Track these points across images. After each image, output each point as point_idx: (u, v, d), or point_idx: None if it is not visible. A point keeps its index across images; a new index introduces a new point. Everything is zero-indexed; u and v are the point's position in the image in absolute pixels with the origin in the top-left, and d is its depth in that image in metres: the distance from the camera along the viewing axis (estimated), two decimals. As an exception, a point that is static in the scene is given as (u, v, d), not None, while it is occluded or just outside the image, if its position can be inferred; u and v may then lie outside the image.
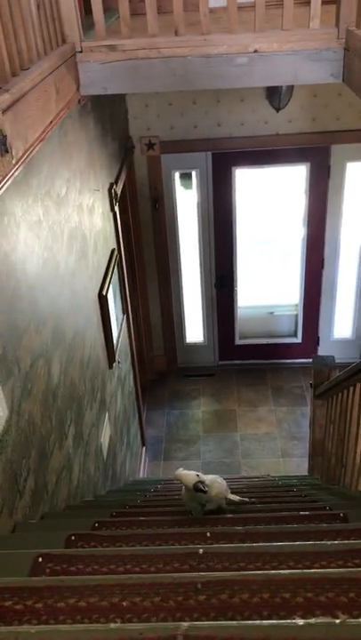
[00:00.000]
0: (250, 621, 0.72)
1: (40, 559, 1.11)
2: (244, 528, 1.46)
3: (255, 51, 2.63)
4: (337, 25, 2.56)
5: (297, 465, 4.59)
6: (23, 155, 1.78)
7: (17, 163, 1.71)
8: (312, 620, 0.61)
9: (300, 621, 0.60)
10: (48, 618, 0.84)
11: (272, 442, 4.90)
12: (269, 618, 0.77)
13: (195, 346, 5.68)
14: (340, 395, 3.19)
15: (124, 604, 0.83)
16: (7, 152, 1.61)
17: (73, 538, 1.39)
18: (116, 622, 0.76)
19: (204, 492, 1.83)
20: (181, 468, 1.93)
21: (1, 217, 1.68)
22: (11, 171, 1.62)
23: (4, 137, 1.58)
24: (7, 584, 0.86)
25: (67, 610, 0.84)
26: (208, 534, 1.43)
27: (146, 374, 5.43)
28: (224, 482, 2.05)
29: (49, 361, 2.14)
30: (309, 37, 2.60)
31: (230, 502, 2.08)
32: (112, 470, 3.38)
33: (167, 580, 0.85)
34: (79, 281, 2.67)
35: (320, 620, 0.63)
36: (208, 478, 1.94)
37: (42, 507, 1.96)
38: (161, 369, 5.66)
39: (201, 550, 1.11)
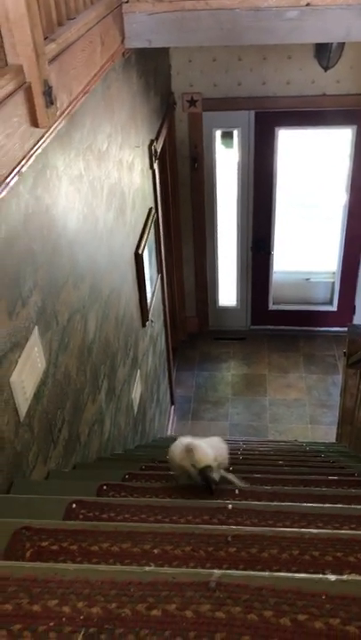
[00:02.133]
0: (281, 573, 0.74)
1: (74, 505, 1.15)
2: (272, 488, 1.48)
3: (307, 4, 2.52)
4: (396, -23, 2.44)
5: (325, 432, 4.60)
6: (67, 107, 1.77)
7: (61, 115, 1.70)
8: (344, 577, 0.62)
9: (332, 577, 0.61)
10: (82, 559, 0.87)
11: (301, 408, 4.91)
12: (298, 573, 0.79)
13: (227, 309, 5.67)
14: (373, 364, 3.16)
15: (156, 551, 0.86)
16: (52, 104, 1.59)
17: (105, 487, 1.43)
18: (149, 566, 0.79)
19: (208, 487, 1.43)
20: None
21: (44, 170, 1.68)
22: (55, 123, 1.61)
23: (50, 88, 1.56)
24: (44, 525, 0.89)
25: (100, 553, 0.87)
26: (236, 491, 1.45)
27: (177, 335, 5.46)
28: (224, 450, 1.65)
29: (85, 316, 2.16)
30: (366, -10, 2.48)
31: (223, 480, 1.58)
32: (142, 426, 3.44)
33: (198, 530, 0.87)
34: (117, 239, 2.67)
35: (352, 577, 0.64)
36: (203, 442, 1.55)
37: (74, 457, 2.01)
38: (192, 330, 5.68)
39: (230, 505, 1.13)
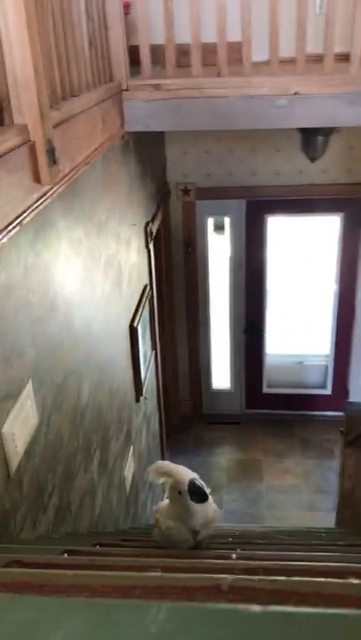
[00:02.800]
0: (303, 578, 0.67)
1: (65, 555, 1.07)
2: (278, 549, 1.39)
3: (295, 93, 2.71)
4: (376, 70, 2.64)
5: (324, 519, 4.40)
6: (69, 172, 1.84)
7: (63, 178, 1.76)
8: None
9: (355, 580, 0.55)
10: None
11: (298, 494, 4.73)
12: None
13: (221, 392, 5.61)
14: (372, 440, 3.09)
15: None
16: (55, 163, 1.66)
17: (97, 546, 1.33)
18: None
19: (204, 498, 1.24)
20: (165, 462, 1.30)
21: (44, 227, 1.72)
22: (58, 182, 1.67)
23: (53, 148, 1.63)
24: (36, 560, 0.82)
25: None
26: (233, 556, 1.34)
27: (171, 419, 5.35)
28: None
29: (80, 381, 2.12)
30: (349, 81, 2.67)
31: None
32: (134, 508, 3.28)
33: (203, 565, 0.81)
34: (113, 308, 2.69)
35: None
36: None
37: (64, 527, 1.90)
38: (186, 414, 5.58)
39: (234, 555, 1.06)
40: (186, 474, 1.25)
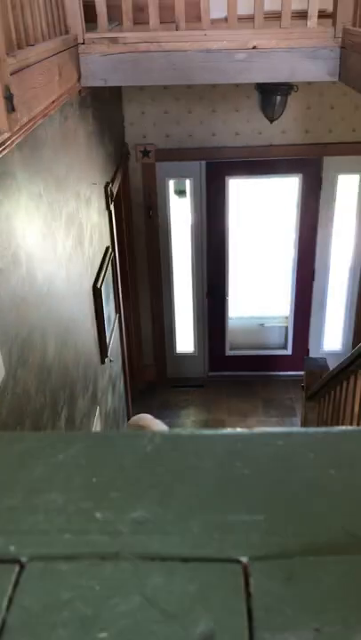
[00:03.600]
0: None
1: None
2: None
3: (254, 47, 2.69)
4: (334, 24, 2.64)
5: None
6: (27, 122, 1.80)
7: (22, 128, 1.73)
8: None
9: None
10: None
11: (262, 451, 4.85)
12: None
13: (185, 356, 5.66)
14: (332, 393, 3.19)
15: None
16: (14, 110, 1.62)
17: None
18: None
19: None
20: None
21: (4, 177, 1.68)
22: (16, 131, 1.64)
23: (11, 95, 1.59)
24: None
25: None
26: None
27: (136, 384, 5.38)
28: None
29: (45, 337, 2.12)
30: (307, 35, 2.67)
31: None
32: (102, 468, 3.32)
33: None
34: (75, 267, 2.67)
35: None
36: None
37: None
38: (151, 379, 5.62)
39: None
40: (163, 427, 1.25)
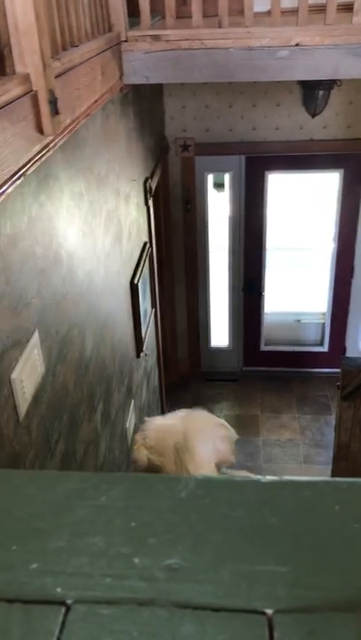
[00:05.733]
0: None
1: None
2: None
3: (297, 44, 2.66)
4: (380, 20, 2.59)
5: (319, 472, 4.53)
6: (70, 124, 1.83)
7: (65, 129, 1.76)
8: None
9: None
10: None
11: (295, 448, 4.84)
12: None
13: (219, 350, 5.67)
14: (368, 394, 3.16)
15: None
16: (57, 114, 1.65)
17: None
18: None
19: None
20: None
21: (47, 179, 1.72)
22: (60, 133, 1.67)
23: (55, 99, 1.63)
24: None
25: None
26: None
27: (169, 376, 5.43)
28: (223, 435, 1.27)
29: (83, 333, 2.16)
30: (352, 32, 2.63)
31: None
32: (135, 460, 3.38)
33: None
34: (113, 264, 2.71)
35: None
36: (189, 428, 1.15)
37: (70, 474, 1.97)
38: (185, 372, 5.66)
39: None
40: (203, 463, 1.08)
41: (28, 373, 1.53)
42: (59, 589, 0.29)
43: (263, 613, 0.27)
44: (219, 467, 1.10)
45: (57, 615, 0.28)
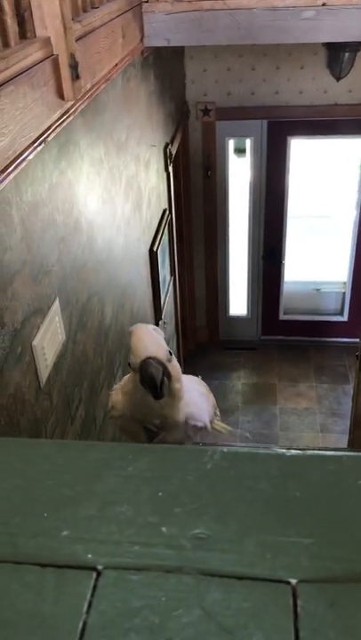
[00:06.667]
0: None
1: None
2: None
3: (323, 4, 2.58)
4: None
5: (336, 440, 4.56)
6: (91, 88, 1.81)
7: (85, 94, 1.74)
8: None
9: None
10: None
11: (311, 417, 4.87)
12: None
13: (238, 319, 5.67)
14: (387, 364, 3.15)
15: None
16: (78, 78, 1.63)
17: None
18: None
19: (153, 393, 0.88)
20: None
21: (67, 145, 1.71)
22: (81, 98, 1.65)
23: (76, 63, 1.60)
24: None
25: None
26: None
27: (187, 344, 5.45)
28: (210, 397, 1.11)
29: (103, 301, 2.17)
30: (381, -10, 2.53)
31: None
32: (153, 426, 3.42)
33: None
34: (133, 231, 2.70)
35: None
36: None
37: (90, 439, 2.00)
38: (202, 340, 5.67)
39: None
40: (146, 348, 0.89)
41: (49, 340, 1.55)
42: (89, 555, 0.30)
43: (287, 583, 0.28)
44: (188, 422, 0.95)
45: (88, 580, 0.29)
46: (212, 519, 0.31)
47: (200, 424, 0.95)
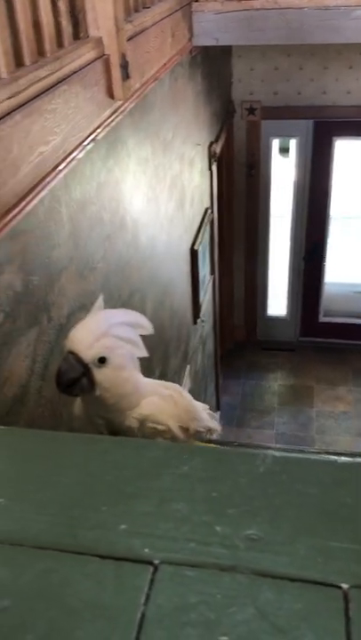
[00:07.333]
0: None
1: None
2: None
3: (376, 3, 2.54)
4: None
5: (373, 446, 4.49)
6: (140, 88, 1.83)
7: (134, 93, 1.76)
8: None
9: None
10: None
11: (349, 421, 4.80)
12: None
13: (276, 319, 5.63)
14: None
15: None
16: (128, 78, 1.65)
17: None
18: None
19: (61, 385, 0.85)
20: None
21: (115, 144, 1.74)
22: (130, 97, 1.67)
23: (127, 62, 1.62)
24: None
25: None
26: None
27: (224, 343, 5.44)
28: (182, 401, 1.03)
29: (144, 298, 2.20)
30: None
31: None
32: (188, 424, 3.44)
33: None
34: (175, 230, 2.71)
35: None
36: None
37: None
38: (240, 339, 5.66)
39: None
40: (73, 342, 0.83)
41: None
42: (146, 550, 0.31)
43: (339, 587, 0.29)
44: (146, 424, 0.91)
45: (146, 573, 0.30)
46: (265, 521, 0.32)
47: (161, 427, 0.92)
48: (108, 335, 0.88)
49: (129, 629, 0.27)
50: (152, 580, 0.30)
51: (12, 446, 0.39)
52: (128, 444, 0.39)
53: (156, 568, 0.30)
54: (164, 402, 0.98)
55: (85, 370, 0.83)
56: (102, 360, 0.85)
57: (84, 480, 0.35)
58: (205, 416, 1.09)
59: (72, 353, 0.84)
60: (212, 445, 0.81)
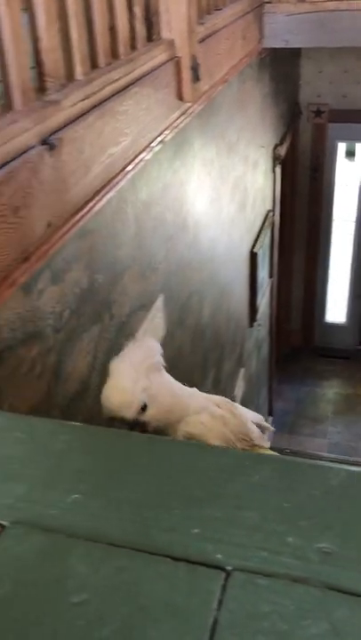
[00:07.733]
0: None
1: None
2: None
3: None
4: None
5: None
6: (208, 90, 1.83)
7: (203, 95, 1.77)
8: None
9: None
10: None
11: None
12: None
13: (334, 326, 5.52)
14: None
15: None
16: (198, 80, 1.66)
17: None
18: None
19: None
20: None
21: (182, 145, 1.75)
22: (199, 99, 1.68)
23: (197, 65, 1.63)
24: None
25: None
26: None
27: (280, 347, 5.38)
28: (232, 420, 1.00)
29: (202, 300, 2.20)
30: None
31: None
32: (240, 427, 3.42)
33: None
34: (236, 231, 2.71)
35: None
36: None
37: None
38: (296, 344, 5.58)
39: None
40: (110, 409, 0.85)
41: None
42: (219, 555, 0.32)
43: None
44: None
45: (218, 579, 0.31)
46: (337, 535, 0.32)
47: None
48: (140, 380, 0.86)
49: (202, 632, 0.27)
50: (224, 586, 0.30)
51: (86, 443, 0.40)
52: (198, 449, 0.39)
53: (228, 574, 0.31)
54: (214, 421, 0.97)
55: (134, 422, 0.83)
56: (145, 406, 0.85)
57: (155, 481, 0.35)
58: (256, 433, 1.06)
59: (114, 418, 0.82)
60: (276, 454, 0.80)
